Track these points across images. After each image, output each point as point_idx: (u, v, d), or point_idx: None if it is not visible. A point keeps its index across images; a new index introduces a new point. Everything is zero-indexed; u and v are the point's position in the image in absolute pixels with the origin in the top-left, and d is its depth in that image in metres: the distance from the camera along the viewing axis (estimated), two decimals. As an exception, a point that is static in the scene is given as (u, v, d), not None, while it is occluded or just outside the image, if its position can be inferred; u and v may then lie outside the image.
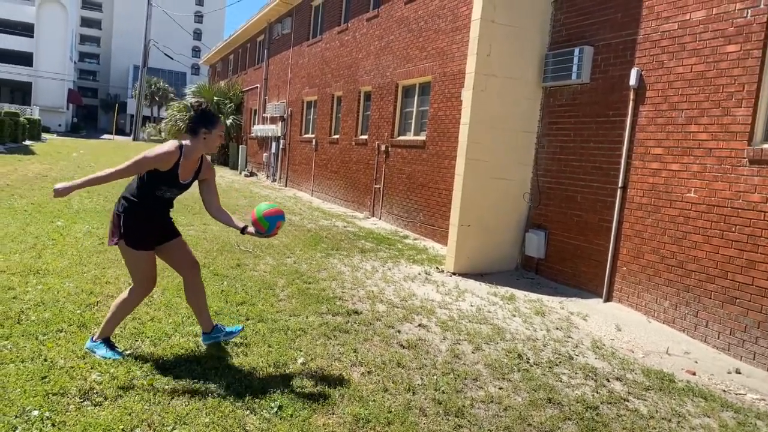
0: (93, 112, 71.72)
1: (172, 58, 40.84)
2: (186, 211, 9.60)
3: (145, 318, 4.07)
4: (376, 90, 11.82)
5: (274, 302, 4.84)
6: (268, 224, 3.41)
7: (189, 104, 3.38)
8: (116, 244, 3.36)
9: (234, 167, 23.60)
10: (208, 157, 3.58)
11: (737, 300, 4.75)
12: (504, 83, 7.05)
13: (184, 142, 3.37)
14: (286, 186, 17.73)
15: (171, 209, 3.58)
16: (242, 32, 23.88)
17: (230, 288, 5.13)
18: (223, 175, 19.42)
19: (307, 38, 16.60)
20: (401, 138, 10.83)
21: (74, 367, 3.18)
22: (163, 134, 35.18)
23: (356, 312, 4.79)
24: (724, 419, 3.45)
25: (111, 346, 3.44)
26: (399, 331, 4.45)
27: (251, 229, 3.46)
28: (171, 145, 3.30)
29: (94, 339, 3.45)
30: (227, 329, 3.77)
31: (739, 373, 4.37)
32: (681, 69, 5.47)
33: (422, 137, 9.98)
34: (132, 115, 55.05)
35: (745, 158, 4.82)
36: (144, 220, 3.36)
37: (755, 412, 3.61)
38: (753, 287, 4.64)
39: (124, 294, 3.47)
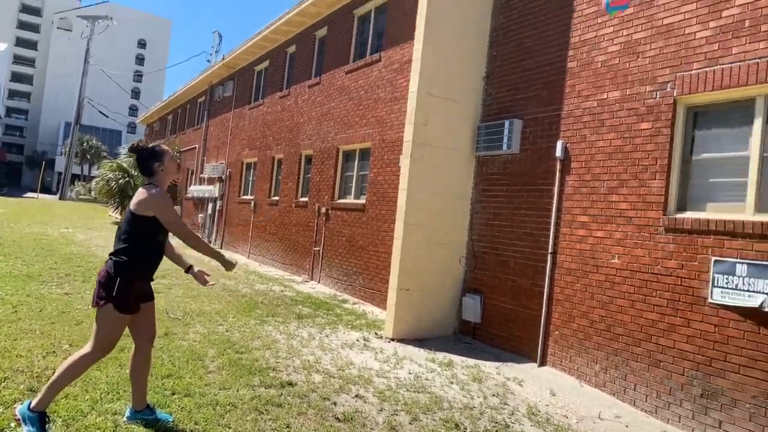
0: (17, 168, 68.35)
1: (107, 116, 39.90)
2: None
3: (59, 395, 3.73)
4: (317, 154, 11.96)
5: (202, 374, 4.59)
6: None
7: (129, 149, 3.53)
8: (102, 305, 3.22)
9: (168, 228, 22.83)
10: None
11: (661, 363, 4.94)
12: (440, 152, 7.32)
13: (148, 183, 3.41)
14: (222, 248, 17.26)
15: (161, 261, 3.52)
16: (182, 93, 23.83)
17: (156, 359, 4.82)
18: (156, 237, 18.71)
19: (249, 101, 16.75)
20: (341, 201, 10.91)
21: (-30, 456, 2.85)
22: (92, 193, 33.78)
23: (290, 384, 4.60)
24: (656, 485, 3.49)
25: (43, 424, 3.15)
26: (335, 403, 4.30)
27: (197, 269, 3.60)
28: (151, 189, 3.31)
29: (30, 406, 3.16)
30: (159, 414, 3.57)
31: (668, 436, 4.48)
32: (601, 143, 5.88)
33: (362, 200, 10.09)
34: (60, 173, 52.78)
35: (661, 227, 5.16)
36: (142, 278, 3.38)
37: (684, 476, 3.69)
38: (674, 350, 4.85)
39: (74, 358, 3.22)
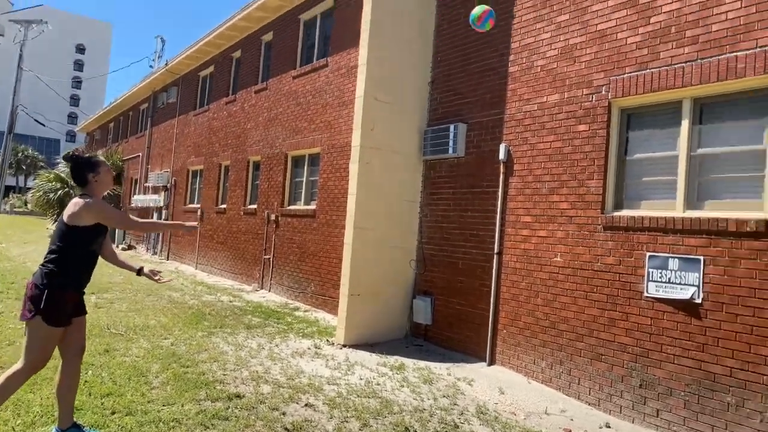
0: (-54, 180, 64.26)
1: (43, 125, 38.10)
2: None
3: (-14, 421, 3.53)
4: (265, 160, 11.79)
5: (145, 391, 4.42)
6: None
7: (63, 158, 3.64)
8: (31, 318, 3.13)
9: (111, 240, 22.02)
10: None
11: (603, 356, 5.12)
12: (388, 156, 7.35)
13: (81, 194, 3.38)
14: (168, 259, 16.77)
15: (92, 273, 3.49)
16: (124, 100, 23.05)
17: (95, 378, 4.63)
18: (98, 249, 17.99)
19: (194, 108, 16.36)
20: (291, 207, 10.79)
21: None
22: (29, 206, 32.16)
23: (238, 396, 4.50)
24: (599, 476, 3.60)
25: None
26: (284, 413, 4.23)
27: (147, 269, 3.67)
28: (86, 198, 3.29)
29: None
30: (87, 430, 3.48)
31: (609, 427, 4.63)
32: (542, 145, 6.05)
33: (312, 206, 10.01)
34: (-6, 184, 49.91)
35: (599, 225, 5.35)
36: (70, 291, 3.28)
37: (625, 465, 3.82)
38: (615, 344, 5.03)
39: (9, 372, 3.15)
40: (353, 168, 7.28)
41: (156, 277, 3.68)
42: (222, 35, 13.88)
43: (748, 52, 4.45)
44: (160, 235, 17.65)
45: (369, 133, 7.22)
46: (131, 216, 3.48)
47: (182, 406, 4.16)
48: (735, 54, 4.53)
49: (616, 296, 5.10)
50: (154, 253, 17.93)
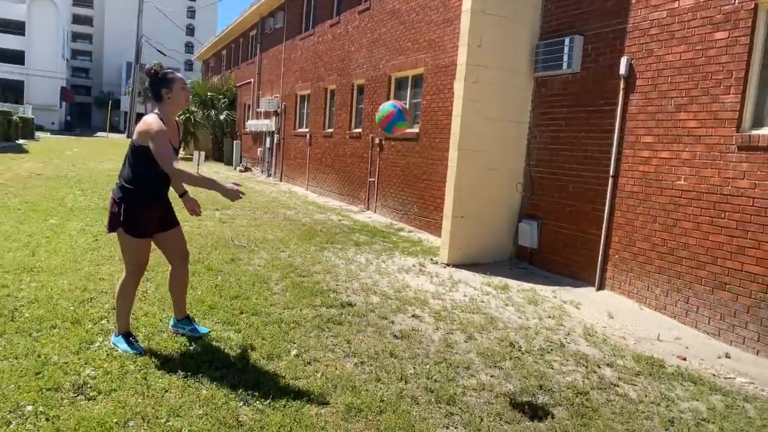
0: (87, 109, 71.32)
1: (165, 54, 40.54)
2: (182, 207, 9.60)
3: (139, 313, 4.09)
4: (369, 83, 11.81)
5: (268, 296, 4.87)
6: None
7: (145, 72, 3.51)
8: (115, 231, 3.41)
9: (229, 163, 23.57)
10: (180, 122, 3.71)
11: (727, 285, 4.79)
12: (495, 74, 7.06)
13: (156, 111, 3.40)
14: (281, 181, 17.72)
15: (169, 187, 3.60)
16: (234, 27, 23.79)
17: (224, 282, 5.16)
18: (217, 171, 19.39)
19: (300, 32, 16.55)
20: (395, 131, 10.81)
21: (68, 363, 3.20)
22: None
23: (350, 304, 4.82)
24: (713, 402, 3.49)
25: (129, 341, 3.49)
26: (392, 322, 4.48)
27: (190, 197, 3.82)
28: (153, 117, 3.31)
29: (116, 334, 3.54)
30: (196, 326, 3.85)
31: (729, 357, 4.41)
32: (670, 57, 5.48)
33: (416, 129, 9.98)
34: (126, 112, 54.77)
35: (733, 145, 4.85)
36: (147, 205, 3.40)
37: (743, 395, 3.66)
38: (742, 272, 4.68)
39: (118, 286, 3.52)
40: (458, 87, 7.09)
41: (190, 209, 3.80)
42: (326, -46, 13.66)
43: None
44: (273, 157, 18.59)
45: (476, 50, 6.93)
46: (174, 161, 3.22)
47: (300, 310, 4.55)
48: None
49: (747, 222, 4.68)
50: (269, 175, 19.02)
